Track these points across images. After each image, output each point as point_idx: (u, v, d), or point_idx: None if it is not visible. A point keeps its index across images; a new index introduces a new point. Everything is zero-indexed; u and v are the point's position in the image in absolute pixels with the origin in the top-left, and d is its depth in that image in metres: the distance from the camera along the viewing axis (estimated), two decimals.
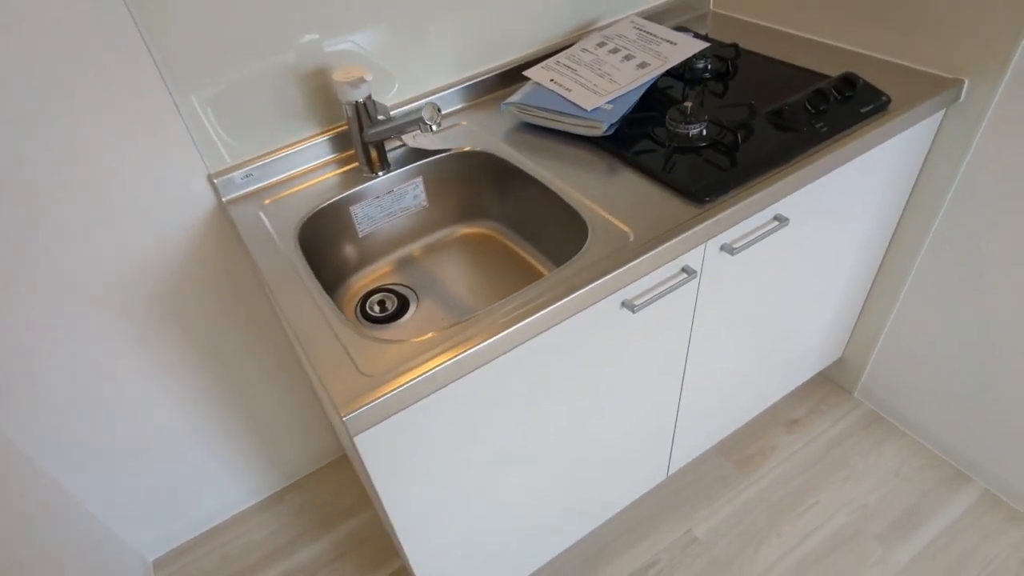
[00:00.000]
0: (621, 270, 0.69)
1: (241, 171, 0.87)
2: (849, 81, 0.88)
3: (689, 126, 0.84)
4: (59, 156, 0.76)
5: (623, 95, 0.90)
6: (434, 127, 0.73)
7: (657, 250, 0.71)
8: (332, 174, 0.91)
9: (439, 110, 0.74)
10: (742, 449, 1.32)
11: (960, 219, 0.99)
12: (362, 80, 0.80)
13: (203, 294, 0.98)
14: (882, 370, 1.28)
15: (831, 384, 1.41)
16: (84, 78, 0.73)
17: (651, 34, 1.01)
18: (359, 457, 0.66)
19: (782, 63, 1.00)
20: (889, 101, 0.86)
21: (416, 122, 0.77)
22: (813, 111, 0.85)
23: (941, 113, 0.94)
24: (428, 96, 0.99)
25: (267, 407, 1.20)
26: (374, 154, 0.88)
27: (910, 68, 0.94)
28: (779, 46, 1.06)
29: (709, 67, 0.99)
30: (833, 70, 0.96)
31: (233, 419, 1.17)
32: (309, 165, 0.92)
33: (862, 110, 0.85)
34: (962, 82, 0.89)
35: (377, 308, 0.88)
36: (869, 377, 1.32)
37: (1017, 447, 1.10)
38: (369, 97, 0.83)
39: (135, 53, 0.75)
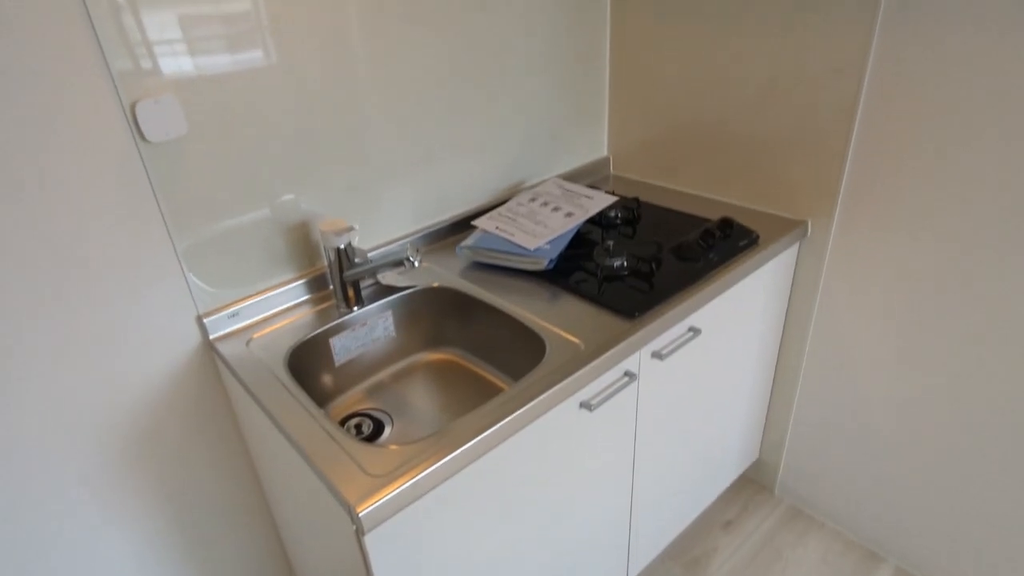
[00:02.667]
0: (581, 372, 0.83)
1: (228, 311, 0.96)
2: (727, 223, 1.13)
3: (613, 259, 1.05)
4: (61, 287, 0.83)
5: (557, 237, 1.10)
6: (416, 263, 0.87)
7: (605, 355, 0.86)
8: (311, 311, 1.02)
9: (418, 249, 0.89)
10: (688, 552, 1.40)
11: (828, 326, 1.24)
12: (346, 230, 0.95)
13: (180, 433, 1.00)
14: (794, 467, 1.45)
15: (754, 484, 1.56)
16: (99, 224, 0.83)
17: (572, 191, 1.25)
18: (365, 559, 0.70)
19: (674, 211, 1.27)
20: (758, 237, 1.12)
21: (394, 262, 0.91)
22: (704, 246, 1.09)
23: (797, 245, 1.21)
24: (392, 243, 1.15)
25: (227, 559, 1.16)
26: (351, 291, 1.00)
27: (769, 213, 1.23)
28: (669, 199, 1.34)
29: (619, 216, 1.24)
30: (713, 215, 1.24)
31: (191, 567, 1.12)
32: (289, 304, 1.03)
33: (740, 244, 1.10)
34: (806, 222, 1.18)
35: (354, 431, 0.95)
36: (784, 474, 1.48)
37: (916, 523, 1.27)
38: (349, 243, 0.97)
39: (146, 206, 0.86)
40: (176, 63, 0.83)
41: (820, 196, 1.15)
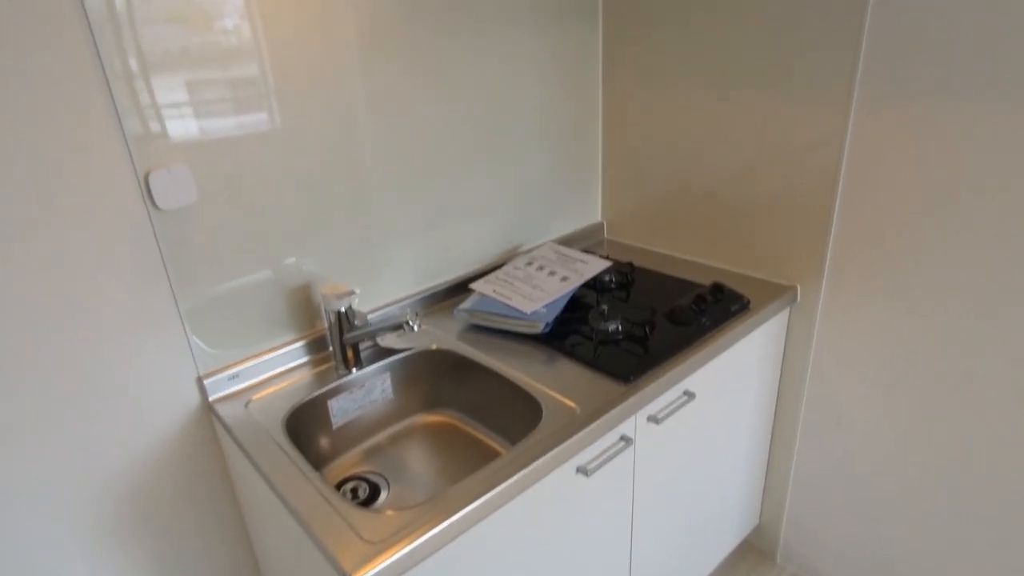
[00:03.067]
0: (577, 436, 0.84)
1: (229, 372, 0.97)
2: (719, 288, 1.17)
3: (607, 323, 1.07)
4: (63, 344, 0.84)
5: (553, 301, 1.13)
6: (415, 327, 0.89)
7: (601, 419, 0.87)
8: (310, 372, 1.03)
9: (417, 313, 0.91)
10: None
11: (822, 389, 1.25)
12: (347, 294, 0.98)
13: (174, 494, 0.99)
14: (795, 532, 1.43)
15: (756, 552, 1.53)
16: (106, 285, 0.85)
17: (567, 256, 1.29)
18: None
19: (667, 276, 1.30)
20: (749, 302, 1.15)
21: (394, 326, 0.93)
22: (697, 310, 1.12)
23: (787, 310, 1.24)
24: (392, 305, 1.17)
25: None
26: (350, 353, 1.01)
27: (760, 279, 1.26)
28: (662, 263, 1.38)
29: (613, 280, 1.27)
30: (705, 280, 1.27)
31: None
32: (289, 365, 1.04)
33: (732, 309, 1.13)
34: (795, 288, 1.21)
35: (350, 495, 0.95)
36: (786, 540, 1.46)
37: None
38: (350, 306, 1.00)
39: (153, 269, 0.88)
40: (188, 129, 0.88)
41: (808, 262, 1.18)
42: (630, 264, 1.30)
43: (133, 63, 0.81)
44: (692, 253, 1.38)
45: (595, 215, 1.55)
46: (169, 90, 0.85)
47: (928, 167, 0.98)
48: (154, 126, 0.85)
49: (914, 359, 1.10)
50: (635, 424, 0.96)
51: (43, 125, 0.77)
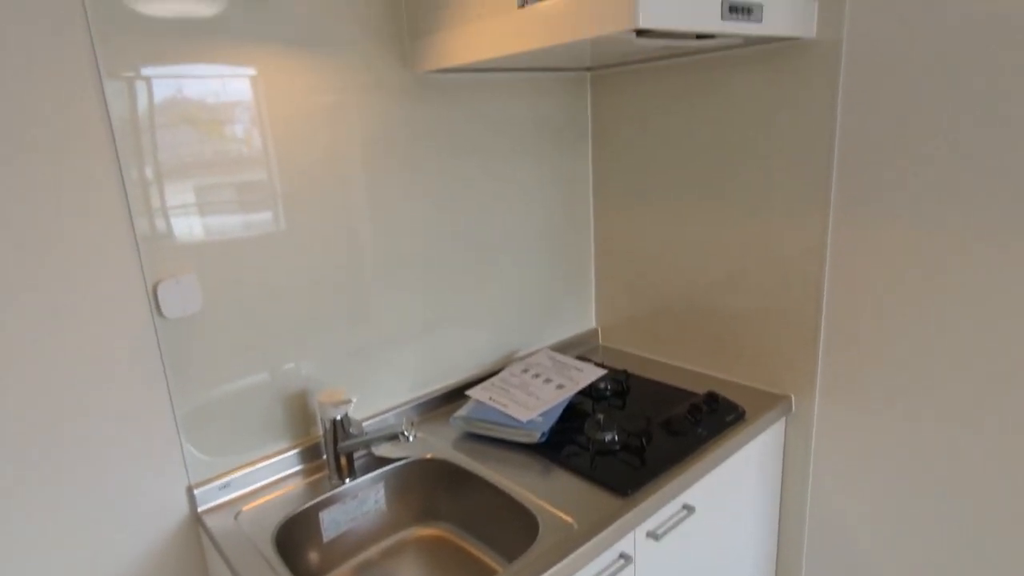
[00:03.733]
0: (575, 554, 0.81)
1: (220, 481, 0.95)
2: (713, 397, 1.18)
3: (604, 433, 1.07)
4: (55, 451, 0.83)
5: (549, 409, 1.13)
6: (411, 437, 0.89)
7: (599, 536, 0.85)
8: (303, 482, 1.01)
9: (413, 423, 0.92)
10: None
11: (825, 500, 1.23)
12: (344, 402, 0.98)
13: None
14: None
15: None
16: (105, 389, 0.85)
17: (562, 363, 1.31)
18: None
19: (661, 384, 1.31)
20: (744, 412, 1.16)
21: (390, 435, 0.93)
22: (692, 420, 1.12)
23: (783, 420, 1.24)
24: (388, 412, 1.17)
25: None
26: (344, 462, 1.00)
27: (754, 388, 1.28)
28: (657, 370, 1.39)
29: (609, 387, 1.28)
30: (699, 388, 1.28)
31: None
32: (282, 474, 1.02)
33: (727, 419, 1.13)
34: (790, 397, 1.22)
35: None
36: None
37: None
38: (346, 414, 1.00)
39: (153, 374, 0.89)
40: (196, 234, 0.92)
41: (800, 372, 1.20)
42: (625, 372, 1.31)
43: (149, 171, 0.86)
44: (686, 361, 1.41)
45: (590, 321, 1.59)
46: (180, 194, 0.90)
47: (906, 278, 1.03)
48: (164, 233, 0.89)
49: (914, 469, 1.09)
50: (634, 541, 0.94)
51: (59, 230, 0.81)
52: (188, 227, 0.91)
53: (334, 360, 1.10)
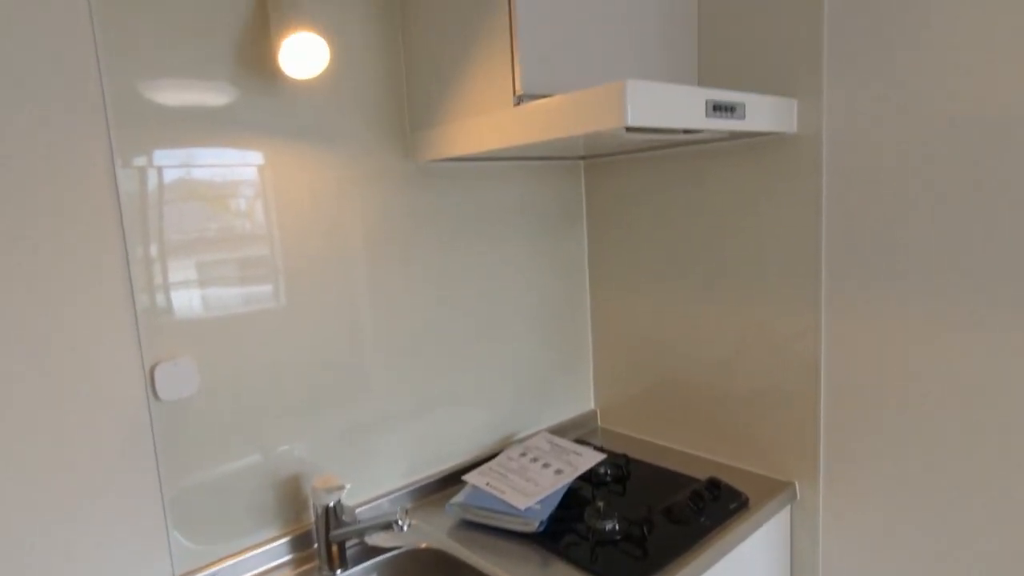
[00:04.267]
0: None
1: (206, 573, 0.91)
2: (715, 484, 1.15)
3: (604, 522, 1.03)
4: (38, 536, 0.80)
5: (548, 496, 1.10)
6: (405, 527, 0.87)
7: None
8: (292, 573, 0.97)
9: (407, 511, 0.89)
10: None
11: None
12: (337, 488, 0.96)
13: None
14: None
15: None
16: (94, 476, 0.84)
17: (561, 447, 1.28)
18: None
19: (662, 468, 1.28)
20: (747, 500, 1.13)
21: (384, 524, 0.90)
22: (695, 508, 1.09)
23: (788, 507, 1.21)
24: (382, 497, 1.14)
25: None
26: (335, 551, 0.97)
27: (757, 473, 1.25)
28: (657, 454, 1.37)
29: (608, 472, 1.25)
30: (701, 474, 1.25)
31: None
32: (270, 564, 0.98)
33: (730, 507, 1.10)
34: (793, 484, 1.20)
35: None
36: None
37: None
38: (339, 501, 0.97)
39: (144, 457, 0.88)
40: (196, 314, 0.93)
41: (802, 457, 1.18)
42: (625, 456, 1.29)
43: (154, 248, 0.89)
44: (687, 444, 1.38)
45: (588, 403, 1.57)
46: (183, 271, 0.92)
47: (905, 363, 1.03)
48: (165, 310, 0.90)
49: (926, 559, 1.05)
50: None
51: (61, 311, 0.82)
52: (188, 305, 0.92)
53: (329, 442, 1.08)
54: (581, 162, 1.48)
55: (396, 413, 1.18)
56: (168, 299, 0.90)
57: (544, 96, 0.91)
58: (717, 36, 1.17)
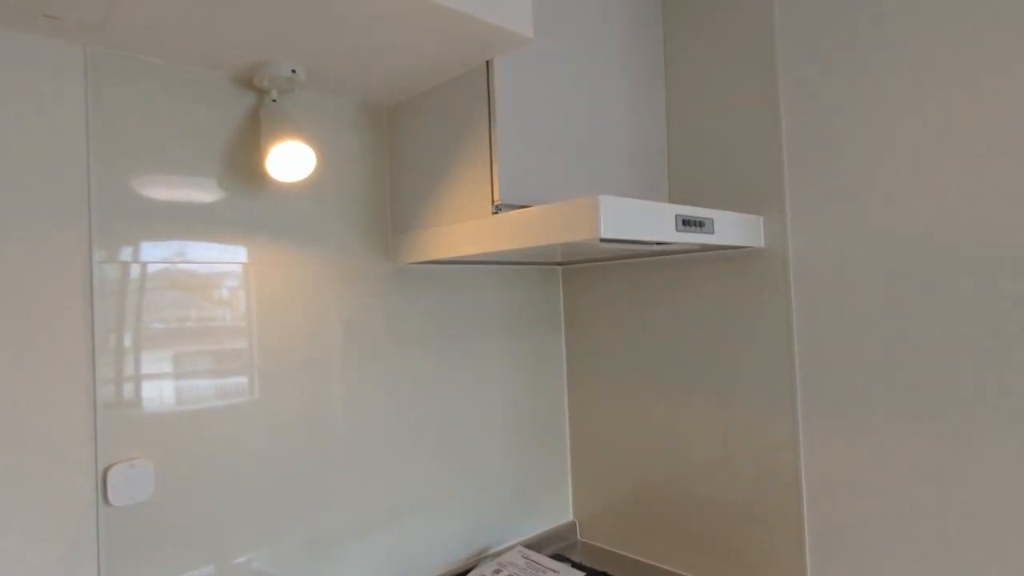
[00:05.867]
0: None
1: None
2: None
3: None
4: None
5: None
6: None
7: None
8: None
9: None
10: None
11: None
12: None
13: None
14: None
15: None
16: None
17: (537, 563, 1.21)
18: None
19: None
20: None
21: None
22: None
23: None
24: None
25: None
26: None
27: None
28: (637, 573, 1.29)
29: None
30: None
31: None
32: None
33: None
34: None
35: None
36: None
37: None
38: None
39: (86, 566, 0.81)
40: (158, 410, 0.90)
41: (789, 575, 1.12)
42: (604, 574, 1.22)
43: (125, 340, 0.87)
44: (670, 560, 1.31)
45: (567, 514, 1.50)
46: (150, 364, 0.89)
47: (886, 476, 1.01)
48: (127, 406, 0.87)
49: None
50: None
51: (13, 397, 0.78)
52: (152, 400, 0.89)
53: (290, 552, 1.01)
54: (559, 268, 1.52)
55: (364, 522, 1.11)
56: (132, 393, 0.87)
57: (521, 207, 0.94)
58: (687, 158, 1.25)
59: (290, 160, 0.97)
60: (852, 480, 1.05)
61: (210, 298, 0.96)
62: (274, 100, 1.02)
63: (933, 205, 0.95)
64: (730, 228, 1.02)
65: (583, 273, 1.47)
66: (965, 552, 0.94)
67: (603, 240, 0.87)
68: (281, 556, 1.01)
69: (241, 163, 1.01)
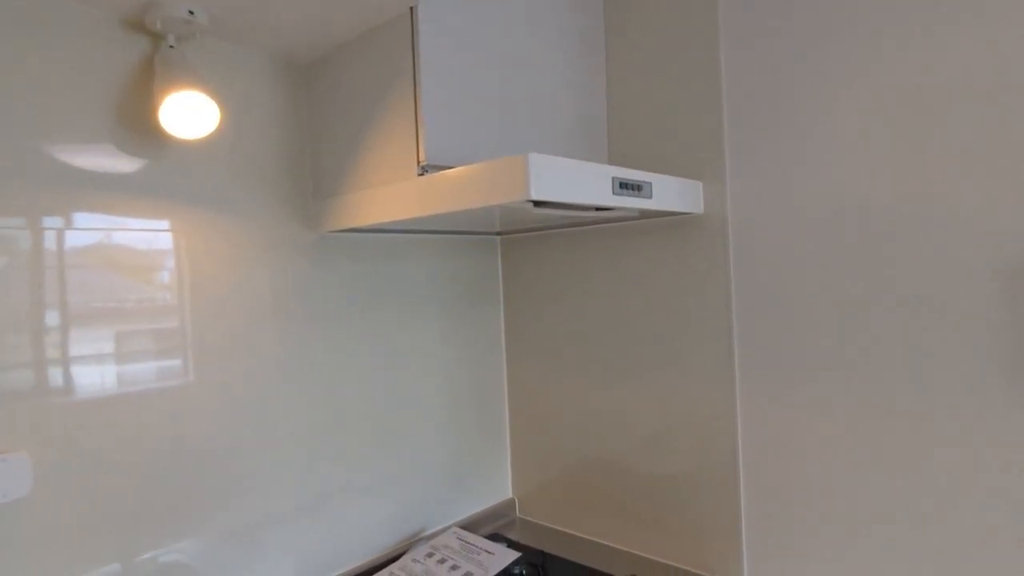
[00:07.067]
0: None
1: None
2: None
3: None
4: None
5: None
6: None
7: None
8: None
9: None
10: None
11: None
12: None
13: None
14: None
15: None
16: None
17: (472, 544, 1.17)
18: None
19: (581, 567, 1.18)
20: None
21: None
22: None
23: None
24: None
25: None
26: None
27: (679, 568, 1.17)
28: (577, 549, 1.27)
29: (524, 573, 1.14)
30: (622, 572, 1.16)
31: None
32: None
33: None
34: None
35: None
36: None
37: None
38: None
39: None
40: (39, 399, 0.79)
41: (726, 550, 1.12)
42: (541, 553, 1.19)
43: None
44: (609, 536, 1.29)
45: (506, 491, 1.47)
46: (27, 349, 0.79)
47: (821, 445, 1.01)
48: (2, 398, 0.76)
49: None
50: None
51: None
52: (33, 388, 0.78)
53: (208, 545, 0.93)
54: (497, 237, 1.45)
55: (288, 509, 1.04)
56: (6, 381, 0.76)
57: (449, 168, 0.87)
58: (627, 123, 1.20)
59: (188, 113, 0.86)
60: (788, 451, 1.04)
61: (93, 272, 0.85)
62: (171, 46, 0.91)
63: (872, 173, 0.93)
64: (669, 193, 0.98)
65: (522, 244, 1.41)
66: (899, 522, 0.94)
67: (535, 203, 0.81)
68: (198, 549, 0.93)
69: (138, 119, 0.90)
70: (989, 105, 0.84)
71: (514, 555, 1.12)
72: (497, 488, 1.44)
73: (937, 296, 0.89)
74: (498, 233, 1.43)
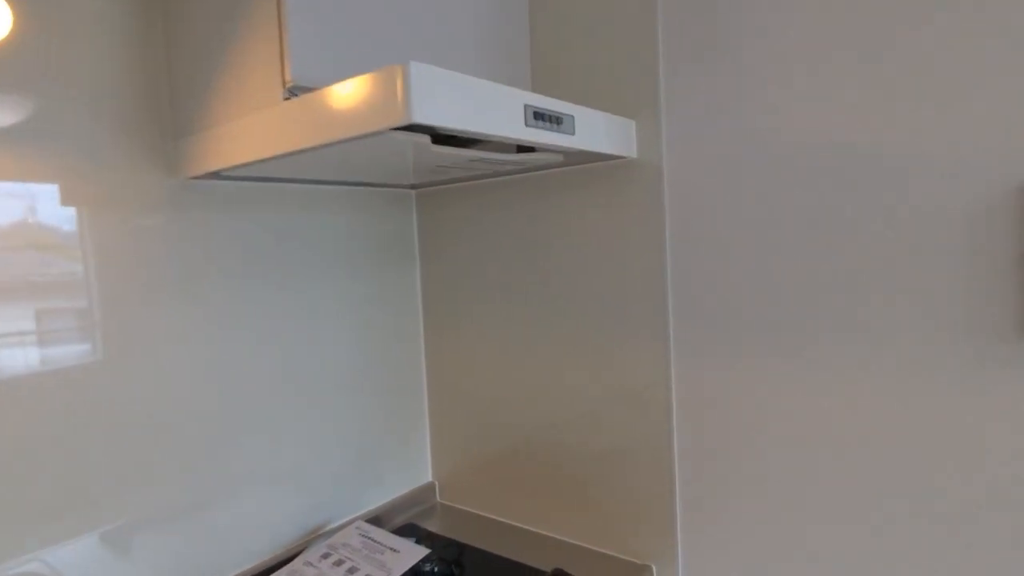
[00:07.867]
0: None
1: None
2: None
3: None
4: None
5: None
6: None
7: None
8: None
9: None
10: None
11: None
12: None
13: None
14: None
15: None
16: None
17: (376, 542, 1.02)
18: None
19: (502, 559, 1.06)
20: None
21: None
22: None
23: None
24: None
25: None
26: None
27: (609, 555, 1.06)
28: (499, 538, 1.14)
29: (436, 570, 1.00)
30: (547, 562, 1.04)
31: None
32: None
33: None
34: (650, 568, 1.02)
35: None
36: None
37: None
38: None
39: None
40: None
41: (660, 535, 1.01)
42: (457, 546, 1.06)
43: None
44: (535, 522, 1.17)
45: (425, 475, 1.32)
46: None
47: (759, 418, 0.90)
48: None
49: None
50: None
51: None
52: None
53: (69, 551, 0.74)
54: (412, 191, 1.28)
55: (165, 508, 0.86)
56: None
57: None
58: (552, 52, 1.03)
59: None
60: (723, 418, 0.94)
61: None
62: None
63: (815, 120, 0.81)
64: (595, 131, 0.83)
65: (439, 197, 1.24)
66: (835, 489, 0.85)
67: (433, 138, 0.65)
68: (56, 557, 0.74)
69: None
70: (962, 25, 0.72)
71: (422, 552, 0.98)
72: (415, 472, 1.30)
73: (882, 253, 0.78)
74: (412, 186, 1.25)
